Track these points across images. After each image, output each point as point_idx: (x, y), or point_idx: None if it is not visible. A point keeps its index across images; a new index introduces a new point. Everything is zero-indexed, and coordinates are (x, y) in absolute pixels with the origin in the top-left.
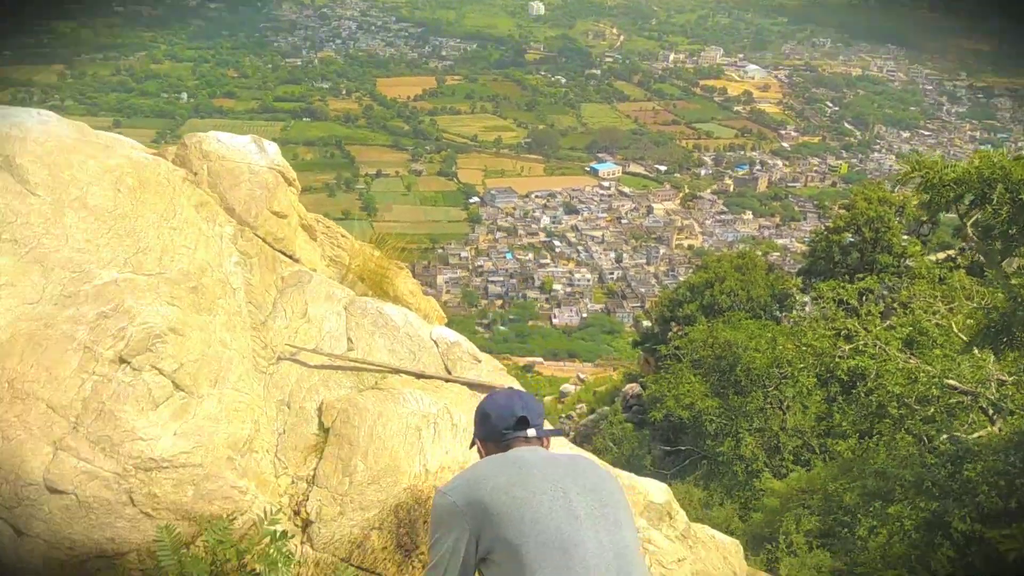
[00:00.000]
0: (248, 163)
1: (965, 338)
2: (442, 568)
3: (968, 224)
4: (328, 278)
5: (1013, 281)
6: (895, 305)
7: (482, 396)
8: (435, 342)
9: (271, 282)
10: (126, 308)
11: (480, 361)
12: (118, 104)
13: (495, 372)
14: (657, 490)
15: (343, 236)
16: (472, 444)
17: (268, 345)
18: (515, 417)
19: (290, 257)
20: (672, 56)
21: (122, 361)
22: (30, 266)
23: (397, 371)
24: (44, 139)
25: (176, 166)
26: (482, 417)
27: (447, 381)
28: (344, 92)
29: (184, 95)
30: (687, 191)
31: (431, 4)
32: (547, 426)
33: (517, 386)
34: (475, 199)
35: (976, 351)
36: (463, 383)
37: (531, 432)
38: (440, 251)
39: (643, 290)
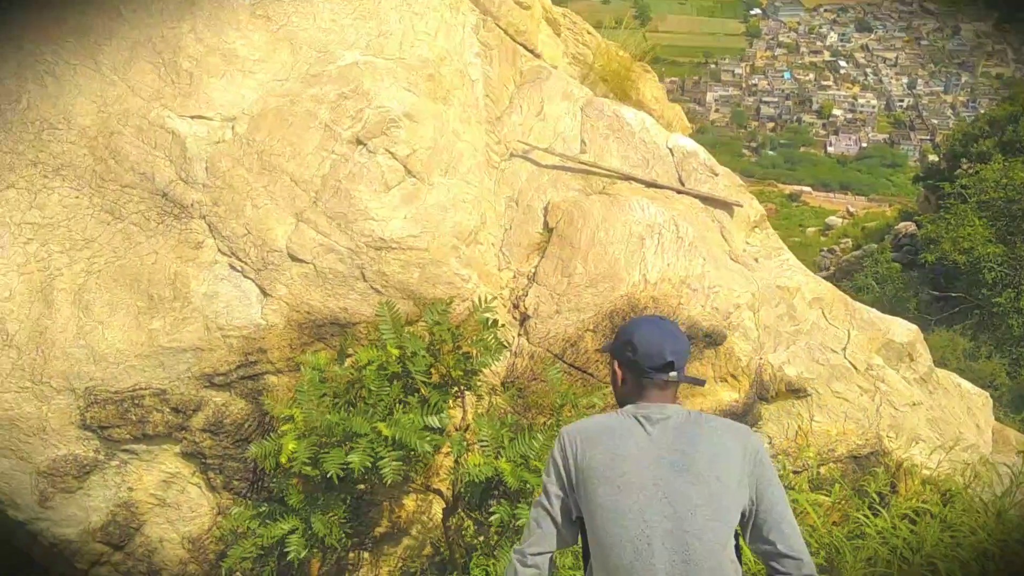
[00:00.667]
0: None
1: None
2: (542, 509)
3: None
4: (568, 76)
5: None
6: None
7: (715, 210)
8: (671, 151)
9: (509, 76)
10: (365, 90)
11: (717, 175)
12: None
13: (732, 187)
14: (901, 330)
15: (588, 33)
16: (605, 351)
17: (501, 140)
18: (663, 360)
19: (531, 51)
20: None
21: (359, 142)
22: (280, 43)
23: (628, 178)
24: None
25: None
26: (627, 345)
27: (678, 192)
28: None
29: None
30: (1005, 11)
31: None
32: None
33: (749, 202)
34: (756, 11)
35: None
36: (695, 195)
37: (672, 375)
38: (712, 67)
39: (935, 121)
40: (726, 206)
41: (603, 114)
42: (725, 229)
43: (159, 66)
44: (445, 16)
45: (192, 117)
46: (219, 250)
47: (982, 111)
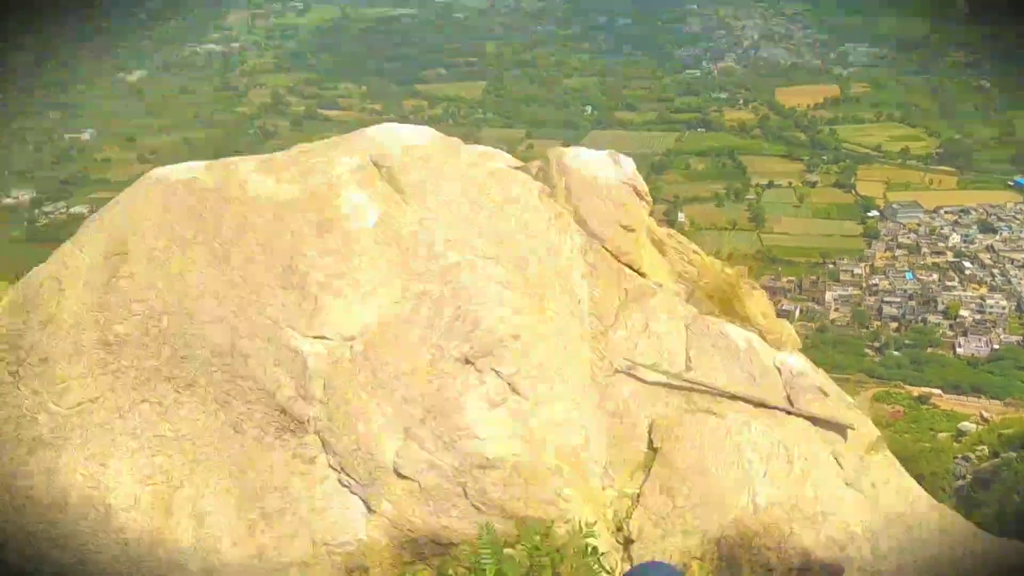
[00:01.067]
0: (603, 178)
1: None
2: None
3: None
4: (672, 294)
5: None
6: None
7: (827, 432)
8: (778, 369)
9: (614, 294)
10: (475, 312)
11: (828, 395)
12: (530, 117)
13: (844, 408)
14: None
15: (695, 252)
16: None
17: (606, 357)
18: None
19: (636, 271)
20: None
21: (467, 362)
22: (399, 267)
23: (734, 396)
24: (421, 152)
25: (537, 179)
26: None
27: (787, 413)
28: (741, 102)
29: (589, 108)
30: None
31: (840, 10)
32: None
33: (863, 423)
34: (874, 213)
35: None
36: (805, 416)
37: None
38: (831, 266)
39: None
40: (839, 428)
41: (708, 331)
42: (838, 452)
43: (288, 289)
44: (554, 239)
45: (315, 337)
46: (330, 465)
47: None
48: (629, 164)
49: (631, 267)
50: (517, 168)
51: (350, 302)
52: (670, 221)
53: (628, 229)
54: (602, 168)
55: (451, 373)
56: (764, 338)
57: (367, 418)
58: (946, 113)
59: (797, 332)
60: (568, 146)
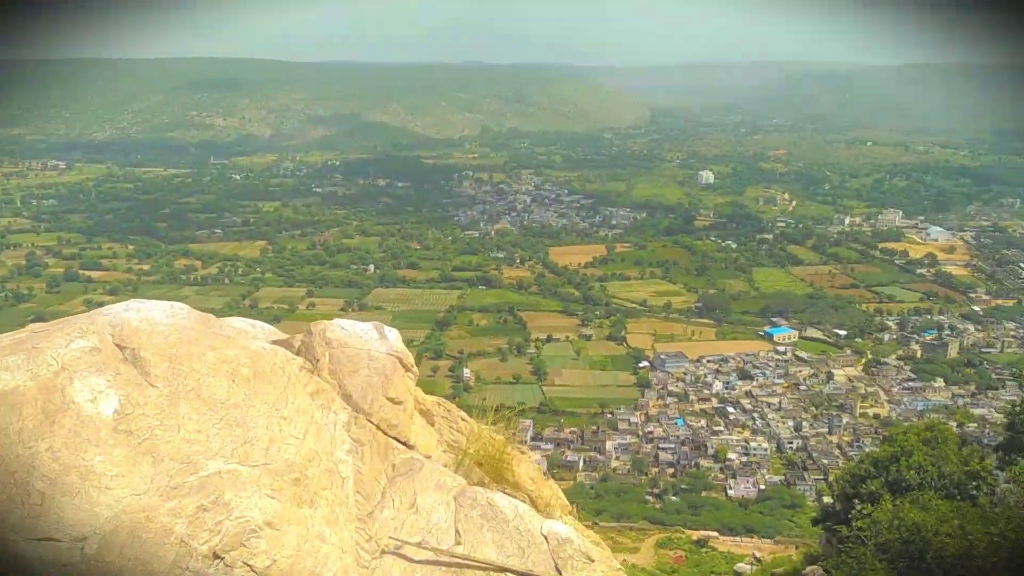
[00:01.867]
0: (368, 350)
1: None
2: None
3: None
4: (441, 466)
5: None
6: None
7: None
8: (546, 537)
9: (381, 470)
10: (225, 501)
11: (593, 560)
12: (312, 276)
13: (609, 573)
14: None
15: (463, 420)
16: None
17: (372, 537)
18: None
19: (404, 443)
20: (848, 219)
21: (216, 556)
22: (141, 457)
23: (503, 569)
24: (169, 332)
25: (298, 355)
26: None
27: None
28: (518, 261)
29: (371, 266)
30: (870, 357)
31: (602, 177)
32: None
33: None
34: (644, 364)
35: None
36: None
37: None
38: (609, 416)
39: (825, 461)
40: None
41: (477, 503)
42: None
43: (10, 487)
44: (315, 416)
45: (39, 540)
46: None
47: (866, 450)
48: (394, 335)
49: (399, 440)
50: (277, 343)
51: (82, 498)
52: (456, 376)
53: (395, 401)
54: (367, 340)
55: (197, 570)
56: (534, 504)
57: None
58: (701, 270)
59: (582, 483)
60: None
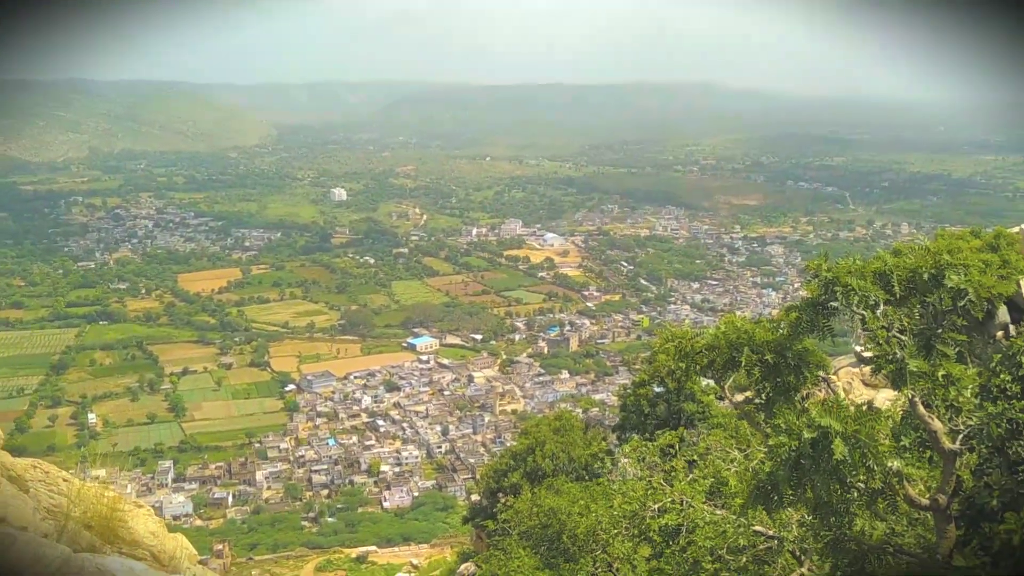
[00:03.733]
0: None
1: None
2: None
3: (726, 387)
4: (40, 536)
5: (771, 441)
6: (695, 457)
7: None
8: None
9: None
10: None
11: None
12: None
13: None
14: None
15: (64, 480)
16: None
17: None
18: None
19: None
20: (475, 230)
21: None
22: None
23: None
24: None
25: None
26: None
27: None
28: (143, 291)
29: None
30: (504, 357)
31: (231, 198)
32: None
33: None
34: (291, 387)
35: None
36: None
37: None
38: (258, 445)
39: (472, 460)
40: None
41: (84, 571)
42: None
43: None
44: None
45: None
46: None
47: (508, 445)
48: None
49: None
50: None
51: None
52: (80, 423)
53: None
54: None
55: None
56: (157, 559)
57: None
58: (341, 287)
59: (233, 519)
60: None
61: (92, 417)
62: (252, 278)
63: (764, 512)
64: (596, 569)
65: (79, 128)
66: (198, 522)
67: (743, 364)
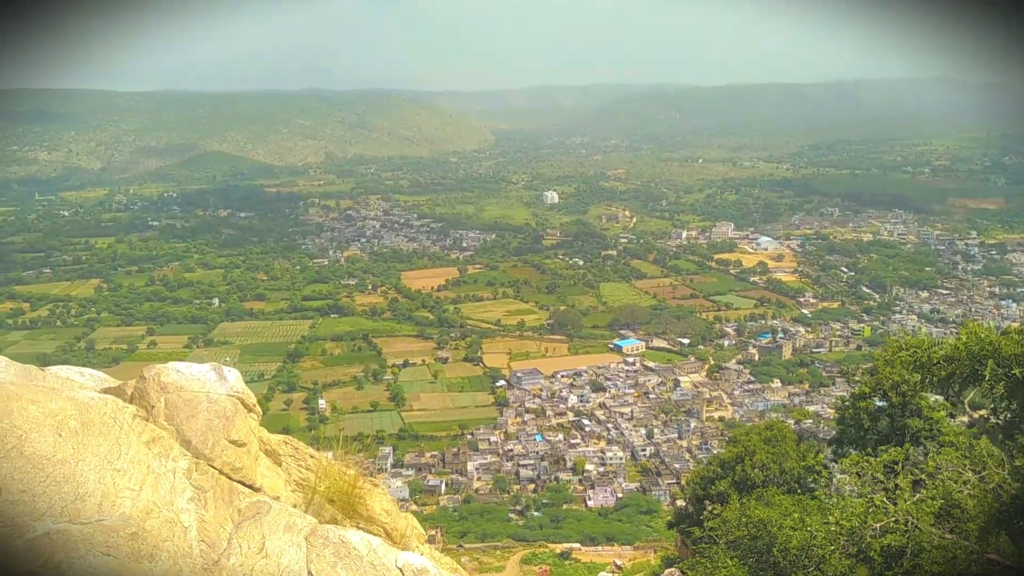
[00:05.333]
0: (207, 392)
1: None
2: None
3: (965, 402)
4: (290, 507)
5: (1017, 463)
6: (923, 476)
7: None
8: (401, 570)
9: (226, 516)
10: (56, 563)
11: None
12: (152, 313)
13: None
14: None
15: (312, 457)
16: None
17: None
18: None
19: (249, 487)
20: (685, 233)
21: None
22: None
23: None
24: None
25: (131, 402)
26: None
27: None
28: (370, 287)
29: (216, 300)
30: (712, 363)
31: (450, 200)
32: None
33: None
34: (501, 382)
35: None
36: None
37: None
38: (469, 437)
39: (677, 466)
40: None
41: (328, 541)
42: None
43: None
44: (153, 466)
45: None
46: None
47: (714, 452)
48: (235, 376)
49: (244, 483)
50: (108, 391)
51: None
52: (311, 408)
53: (238, 444)
54: (205, 383)
55: None
56: (389, 536)
57: None
58: (551, 288)
59: (445, 506)
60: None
61: (322, 403)
62: (468, 277)
63: (1005, 539)
64: None
65: (317, 135)
66: (413, 507)
67: (987, 378)
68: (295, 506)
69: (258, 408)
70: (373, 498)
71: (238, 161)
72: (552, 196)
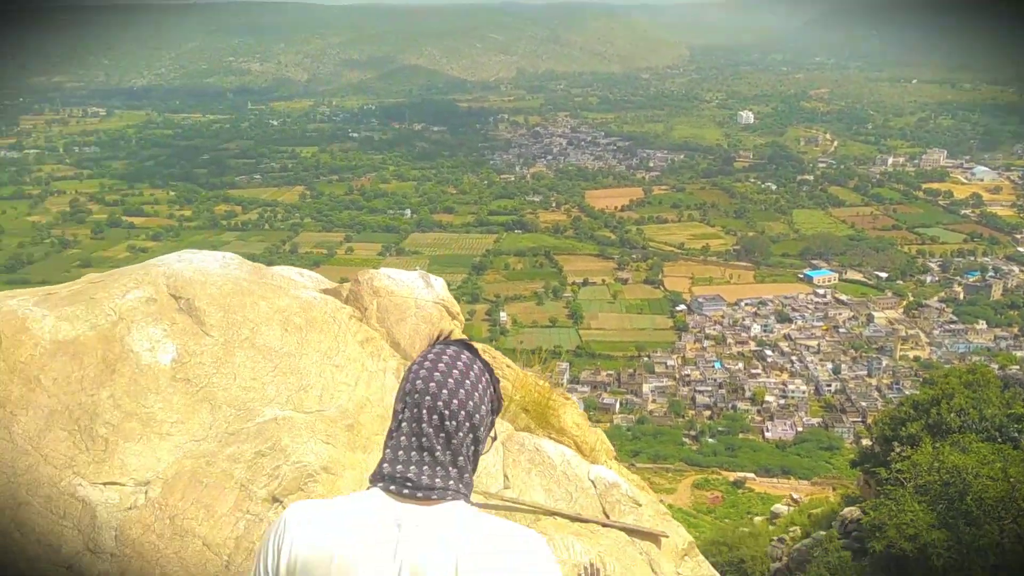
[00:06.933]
0: (415, 298)
1: None
2: None
3: None
4: None
5: None
6: None
7: (641, 542)
8: (593, 483)
9: None
10: (283, 447)
11: (641, 505)
12: (349, 220)
13: (657, 517)
14: None
15: (508, 366)
16: None
17: None
18: None
19: None
20: (891, 160)
21: (274, 500)
22: (200, 404)
23: (552, 513)
24: (222, 282)
25: (346, 303)
26: None
27: (603, 526)
28: (554, 204)
29: (408, 211)
30: (911, 299)
31: (639, 118)
32: None
33: (675, 531)
34: (682, 307)
35: None
36: (620, 528)
37: None
38: (646, 359)
39: (864, 404)
40: (653, 537)
41: (524, 448)
42: (653, 560)
43: (74, 433)
44: (366, 364)
45: (104, 484)
46: None
47: (906, 393)
48: (440, 284)
49: None
50: (326, 292)
51: (144, 444)
52: (493, 320)
53: None
54: (414, 289)
55: (257, 514)
56: (579, 449)
57: (164, 569)
58: (740, 212)
59: (619, 425)
60: (388, 249)
61: (503, 315)
62: (653, 198)
63: None
64: (1003, 539)
65: (509, 50)
66: (596, 428)
67: None
68: None
69: (461, 316)
70: (565, 411)
71: (433, 75)
72: (747, 116)
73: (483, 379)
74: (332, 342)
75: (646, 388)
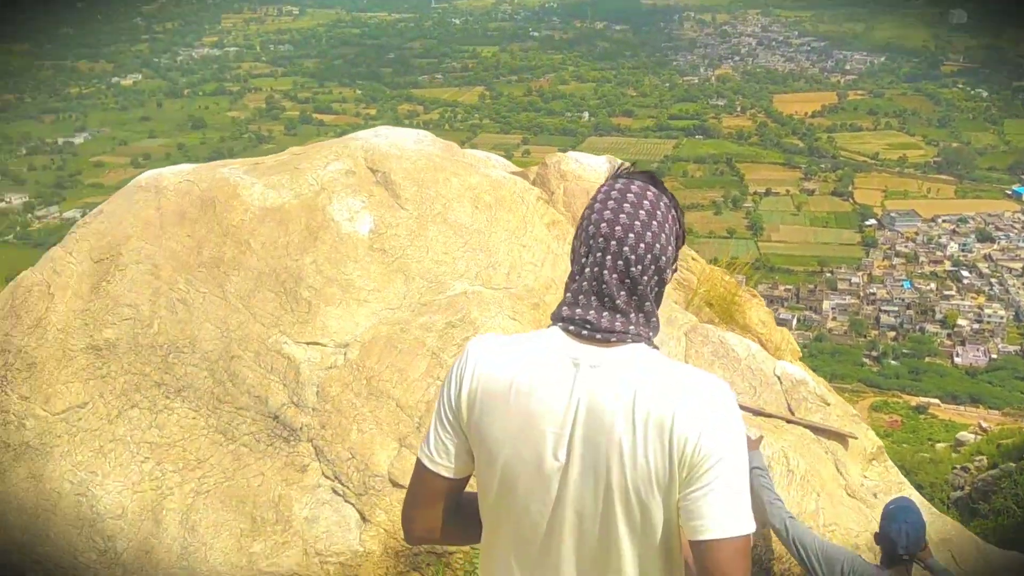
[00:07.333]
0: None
1: None
2: None
3: None
4: (672, 302)
5: None
6: None
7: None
8: (779, 378)
9: None
10: (471, 319)
11: (829, 404)
12: (527, 123)
13: (846, 418)
14: None
15: (693, 259)
16: None
17: None
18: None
19: None
20: None
21: None
22: (394, 274)
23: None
24: (416, 157)
25: (534, 185)
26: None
27: (788, 422)
28: (738, 109)
29: (586, 114)
30: None
31: (838, 17)
32: None
33: (864, 433)
34: (872, 222)
35: None
36: (806, 425)
37: None
38: (828, 275)
39: None
40: (840, 438)
41: (708, 340)
42: (840, 462)
43: (281, 295)
44: (552, 246)
45: (308, 343)
46: (323, 474)
47: None
48: None
49: None
50: (515, 174)
51: (343, 309)
52: None
53: None
54: (601, 174)
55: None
56: (764, 346)
57: (361, 426)
58: (944, 121)
59: (795, 341)
60: (565, 152)
61: None
62: (847, 104)
63: None
64: None
65: None
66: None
67: None
68: (675, 303)
69: None
70: (750, 308)
71: None
72: (960, 14)
73: (670, 217)
74: (520, 222)
75: (826, 305)
